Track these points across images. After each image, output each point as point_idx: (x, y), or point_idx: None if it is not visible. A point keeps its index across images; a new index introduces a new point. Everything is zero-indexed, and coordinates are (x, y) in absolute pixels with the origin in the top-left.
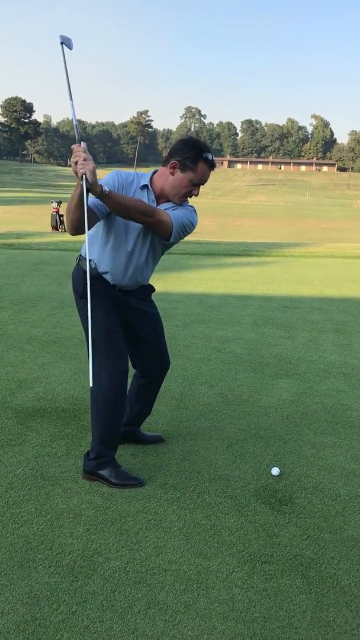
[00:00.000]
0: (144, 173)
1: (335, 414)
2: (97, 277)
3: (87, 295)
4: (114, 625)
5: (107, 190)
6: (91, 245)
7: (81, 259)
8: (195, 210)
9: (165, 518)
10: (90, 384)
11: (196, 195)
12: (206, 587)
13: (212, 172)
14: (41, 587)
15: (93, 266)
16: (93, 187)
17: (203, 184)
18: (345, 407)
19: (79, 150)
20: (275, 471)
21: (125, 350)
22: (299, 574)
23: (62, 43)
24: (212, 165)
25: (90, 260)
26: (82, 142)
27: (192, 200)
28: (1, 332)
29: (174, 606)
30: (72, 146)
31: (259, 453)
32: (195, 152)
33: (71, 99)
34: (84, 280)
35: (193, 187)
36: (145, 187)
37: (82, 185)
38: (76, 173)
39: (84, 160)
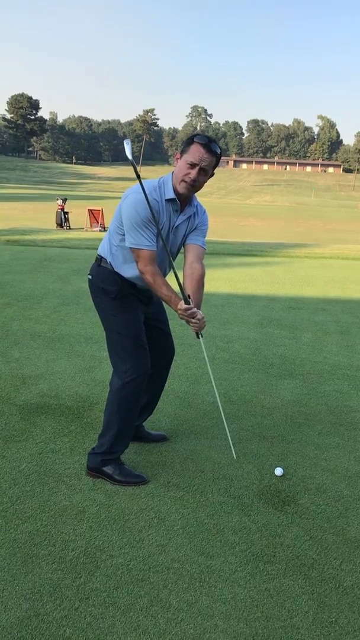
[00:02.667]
0: (164, 179)
1: (339, 415)
2: (123, 277)
3: (119, 294)
4: (116, 622)
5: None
6: (122, 264)
7: (102, 259)
8: (205, 212)
9: (168, 516)
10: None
11: (192, 177)
12: (209, 586)
13: (217, 170)
14: (44, 583)
15: (109, 267)
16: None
17: (201, 166)
18: (349, 409)
19: (192, 314)
20: (278, 471)
21: (147, 348)
22: (302, 575)
23: (126, 144)
24: (205, 145)
25: (109, 262)
26: (189, 299)
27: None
28: (6, 328)
29: (177, 604)
30: (182, 308)
31: (263, 453)
32: (191, 137)
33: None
34: (114, 280)
35: (189, 169)
36: (170, 200)
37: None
38: (187, 322)
39: (199, 319)
